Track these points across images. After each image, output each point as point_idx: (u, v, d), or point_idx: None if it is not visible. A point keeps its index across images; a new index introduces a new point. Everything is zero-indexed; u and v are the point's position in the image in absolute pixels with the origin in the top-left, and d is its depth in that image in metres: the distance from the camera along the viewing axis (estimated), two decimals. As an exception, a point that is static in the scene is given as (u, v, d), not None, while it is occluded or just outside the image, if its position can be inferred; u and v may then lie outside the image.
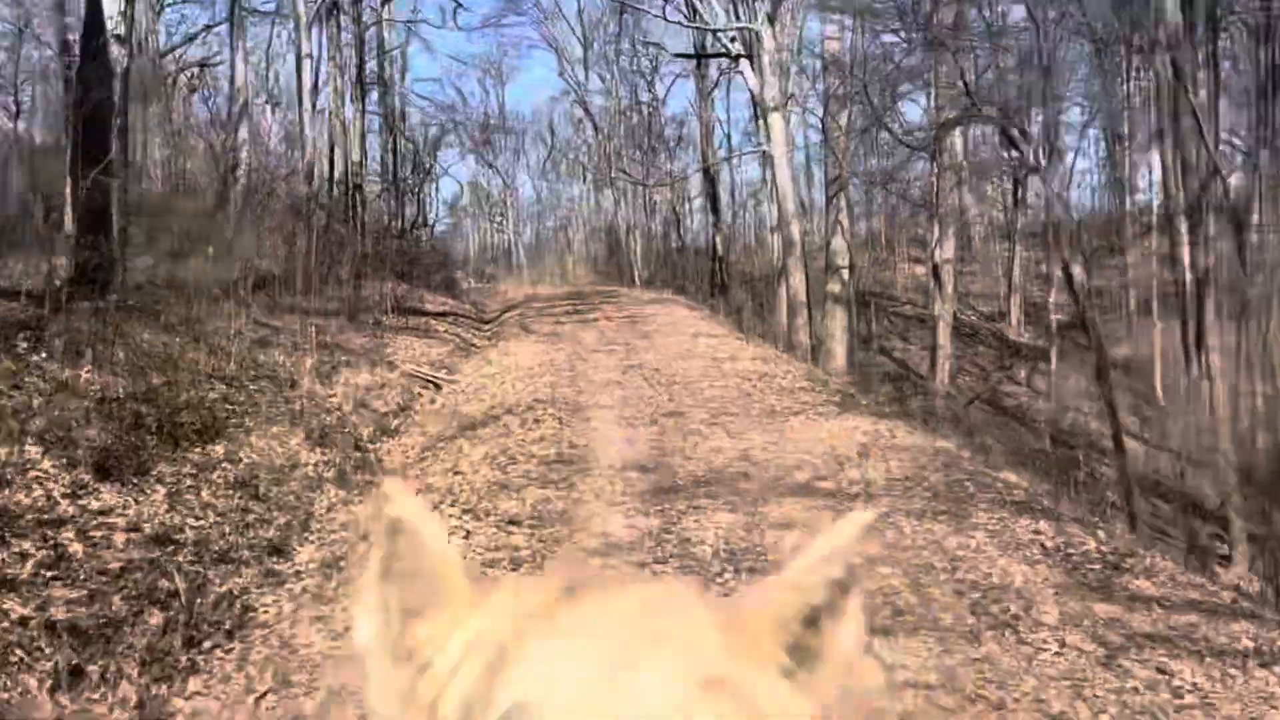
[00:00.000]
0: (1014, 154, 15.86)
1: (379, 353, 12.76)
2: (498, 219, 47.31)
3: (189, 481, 6.46)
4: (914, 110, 24.79)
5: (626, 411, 8.67)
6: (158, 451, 6.67)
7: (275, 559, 6.08)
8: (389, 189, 26.40)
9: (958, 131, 22.91)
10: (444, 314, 18.53)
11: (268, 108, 26.47)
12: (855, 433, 7.52)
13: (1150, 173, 19.59)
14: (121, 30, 10.49)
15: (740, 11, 22.71)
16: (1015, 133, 13.59)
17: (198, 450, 7.09)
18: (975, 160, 28.58)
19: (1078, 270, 14.85)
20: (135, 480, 6.11)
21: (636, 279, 31.55)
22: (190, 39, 27.43)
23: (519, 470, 6.82)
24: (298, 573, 5.91)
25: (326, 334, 12.52)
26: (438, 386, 11.65)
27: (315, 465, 7.87)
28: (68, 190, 10.55)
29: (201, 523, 5.98)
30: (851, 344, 21.15)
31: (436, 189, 45.93)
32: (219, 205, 13.02)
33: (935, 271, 21.73)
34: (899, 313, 30.82)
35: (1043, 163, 14.66)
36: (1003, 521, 5.05)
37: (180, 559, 5.45)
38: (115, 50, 10.42)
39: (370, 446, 8.88)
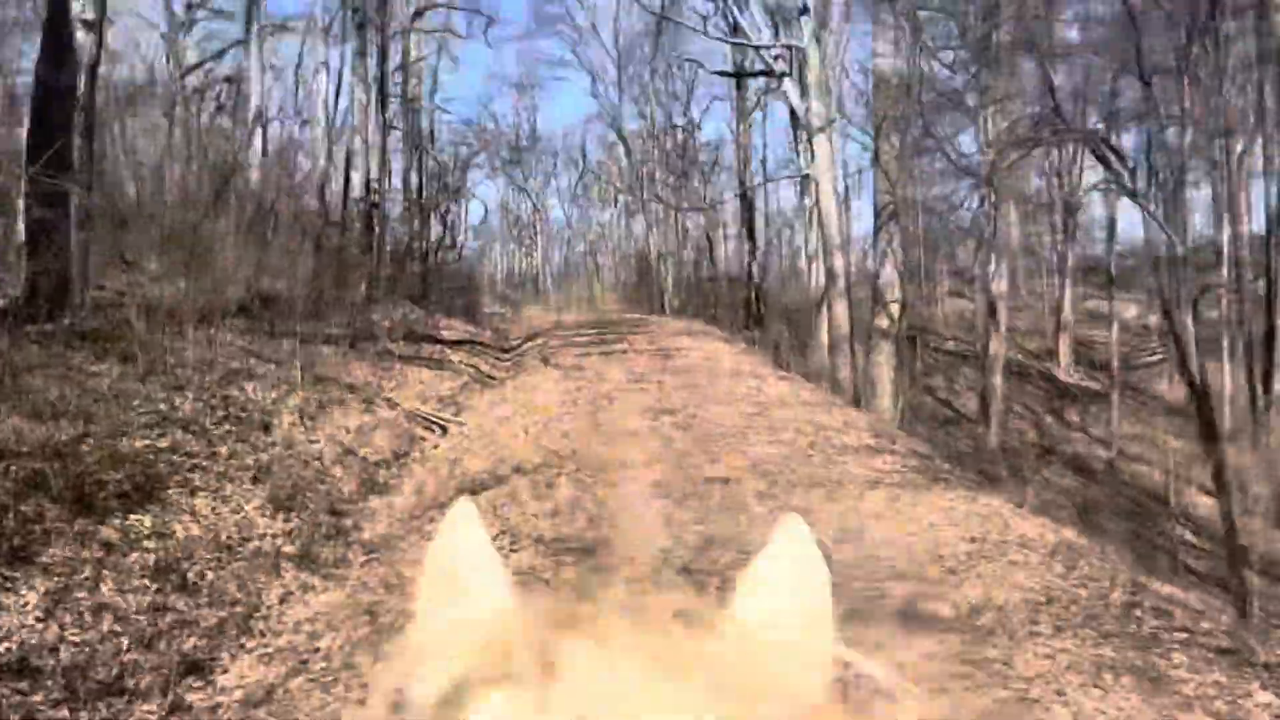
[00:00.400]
0: (1107, 175, 14.12)
1: (380, 387, 11.18)
2: (526, 243, 45.96)
3: (88, 571, 4.85)
4: (965, 136, 23.21)
5: (660, 474, 7.03)
6: (56, 526, 5.08)
7: (192, 683, 4.46)
8: (411, 208, 24.97)
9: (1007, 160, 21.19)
10: (461, 342, 16.96)
11: (290, 124, 25.16)
12: (953, 516, 5.85)
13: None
14: (90, 14, 9.03)
15: (784, 29, 21.22)
16: (1110, 153, 11.90)
17: (117, 522, 5.49)
18: (1022, 189, 26.88)
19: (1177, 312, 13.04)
20: (5, 572, 4.52)
21: (667, 307, 29.95)
22: (219, 54, 26.25)
23: (522, 561, 5.17)
24: (216, 707, 4.29)
25: (322, 365, 10.98)
26: (443, 429, 10.04)
27: (274, 537, 6.27)
28: (20, 197, 9.07)
29: (88, 635, 4.37)
30: (900, 385, 19.41)
31: (465, 211, 44.69)
32: (212, 219, 11.54)
33: (991, 307, 19.98)
34: (941, 349, 28.99)
35: (1139, 186, 12.95)
36: (1219, 687, 3.38)
37: (35, 698, 3.84)
38: (81, 36, 8.95)
39: (350, 508, 7.26)
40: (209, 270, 10.82)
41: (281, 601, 5.56)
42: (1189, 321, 12.47)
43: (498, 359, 16.63)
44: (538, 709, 0.50)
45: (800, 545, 0.61)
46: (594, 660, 0.52)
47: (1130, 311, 35.08)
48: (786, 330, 24.41)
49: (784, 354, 20.05)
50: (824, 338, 22.03)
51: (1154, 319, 30.72)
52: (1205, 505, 19.10)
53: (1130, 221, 34.71)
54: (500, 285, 40.32)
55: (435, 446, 9.38)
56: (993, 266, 19.99)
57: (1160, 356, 29.07)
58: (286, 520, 6.53)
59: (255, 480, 6.88)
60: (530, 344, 19.51)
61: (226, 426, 7.73)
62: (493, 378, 14.08)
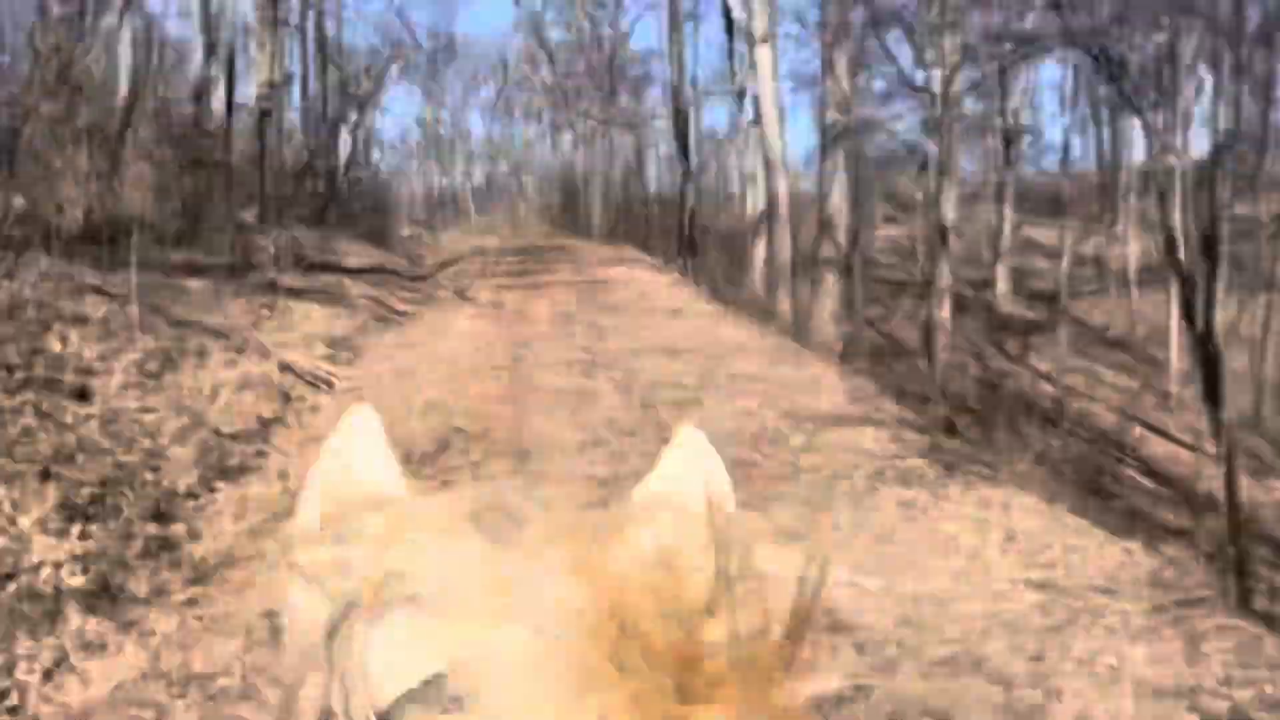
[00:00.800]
0: (1110, 89, 12.56)
1: (255, 329, 9.22)
2: (445, 161, 43.27)
3: None
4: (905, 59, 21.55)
5: (597, 462, 5.31)
6: None
7: None
8: (314, 121, 22.49)
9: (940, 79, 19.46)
10: (366, 271, 14.87)
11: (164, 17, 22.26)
12: (989, 527, 4.27)
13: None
14: None
15: (726, -72, 19.17)
16: (1114, 63, 10.26)
17: None
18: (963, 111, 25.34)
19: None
20: None
21: (595, 231, 28.01)
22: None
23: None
24: None
25: (185, 303, 8.98)
26: (328, 385, 8.16)
27: (57, 565, 4.41)
28: None
29: None
30: (844, 318, 17.96)
31: (376, 127, 41.81)
32: (40, 120, 9.33)
33: (942, 234, 18.51)
34: (880, 278, 27.53)
35: (1146, 100, 11.39)
36: None
37: None
38: None
39: (183, 508, 5.40)
40: (36, 185, 8.67)
41: (46, 678, 3.74)
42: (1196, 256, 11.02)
43: (408, 290, 14.61)
44: (433, 628, 0.45)
45: (701, 458, 0.57)
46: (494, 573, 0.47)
47: (1066, 240, 34.14)
48: (724, 258, 22.77)
49: (721, 285, 18.41)
50: (760, 266, 20.46)
51: (1089, 247, 29.72)
52: (1158, 446, 18.13)
53: (1065, 147, 33.57)
54: (417, 207, 37.77)
55: (315, 409, 7.50)
56: (944, 191, 18.46)
57: (1096, 287, 28.12)
58: (82, 536, 4.67)
59: (44, 477, 4.98)
60: (446, 272, 17.52)
61: (24, 395, 5.77)
62: (399, 314, 12.13)
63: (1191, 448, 18.13)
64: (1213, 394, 10.17)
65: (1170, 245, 11.66)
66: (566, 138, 33.73)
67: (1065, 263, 23.04)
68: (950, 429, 11.07)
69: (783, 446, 5.49)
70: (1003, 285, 28.01)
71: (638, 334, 9.57)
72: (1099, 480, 12.57)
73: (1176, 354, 20.76)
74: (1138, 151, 32.24)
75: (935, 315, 20.09)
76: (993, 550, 3.97)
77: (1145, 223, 30.01)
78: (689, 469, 0.57)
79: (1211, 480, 10.52)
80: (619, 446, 5.48)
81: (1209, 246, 19.45)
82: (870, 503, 4.57)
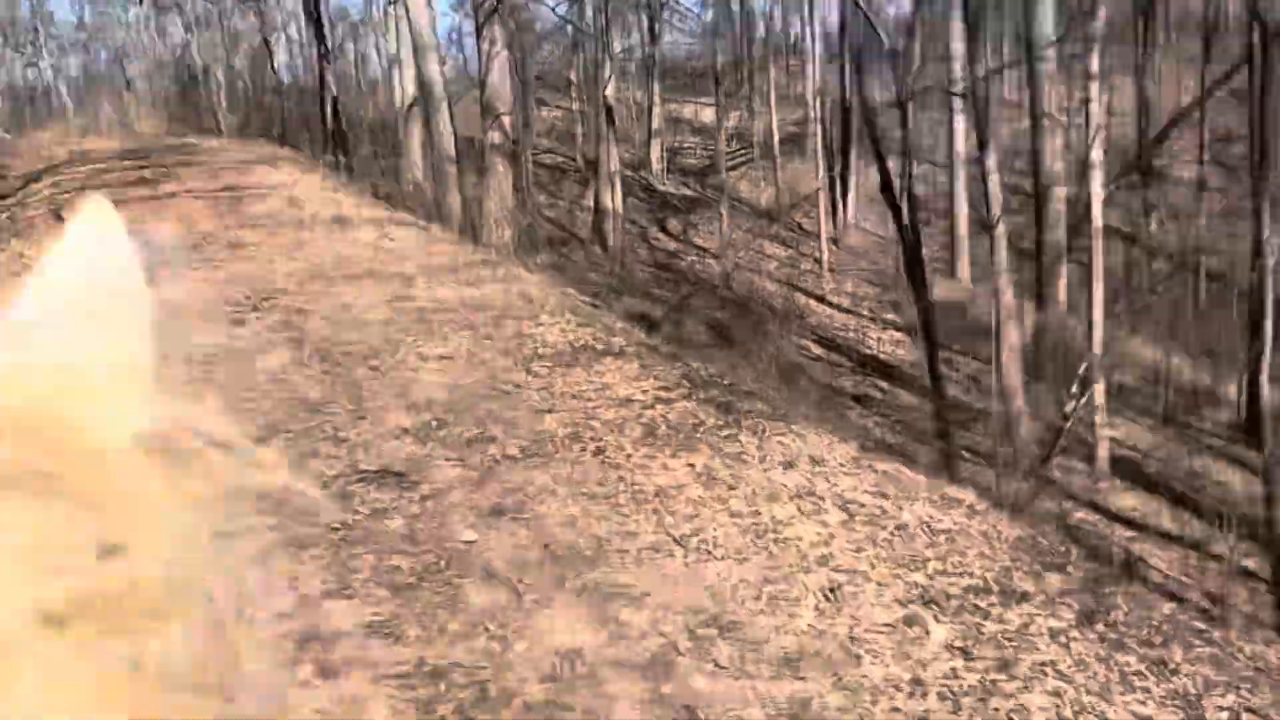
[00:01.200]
0: None
1: None
2: (27, 50, 36.38)
3: None
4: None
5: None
6: None
7: None
8: None
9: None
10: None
11: None
12: (799, 490, 3.34)
13: None
14: None
15: None
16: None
17: None
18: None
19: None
20: None
21: (223, 128, 24.46)
22: None
23: None
24: None
25: None
26: None
27: None
28: None
29: None
30: (524, 207, 16.69)
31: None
32: None
33: (609, 113, 17.56)
34: (541, 163, 26.39)
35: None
36: None
37: None
38: None
39: None
40: None
41: None
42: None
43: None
44: None
45: (105, 237, 0.46)
46: None
47: (706, 115, 34.64)
48: (373, 152, 20.59)
49: (380, 183, 16.45)
50: (416, 158, 18.66)
51: (730, 122, 30.10)
52: (820, 311, 18.70)
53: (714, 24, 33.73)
54: (-3, 106, 31.50)
55: None
56: (608, 70, 17.46)
57: (746, 158, 28.69)
58: None
59: None
60: (39, 186, 14.21)
61: None
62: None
63: (849, 310, 18.95)
64: (912, 267, 10.07)
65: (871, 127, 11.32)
66: (175, 20, 29.15)
67: (722, 140, 23.00)
68: (652, 326, 10.32)
69: (515, 403, 4.26)
70: (656, 163, 27.77)
71: (297, 254, 7.79)
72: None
73: (824, 223, 21.49)
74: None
75: (604, 200, 19.36)
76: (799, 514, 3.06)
77: (781, 96, 30.95)
78: (90, 254, 0.44)
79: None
80: (308, 436, 3.98)
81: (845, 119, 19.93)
82: (647, 467, 3.51)
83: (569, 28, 24.26)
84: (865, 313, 18.73)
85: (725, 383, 4.61)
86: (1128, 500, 10.83)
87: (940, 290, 20.78)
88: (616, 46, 18.23)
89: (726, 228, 20.49)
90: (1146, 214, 20.61)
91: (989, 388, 10.17)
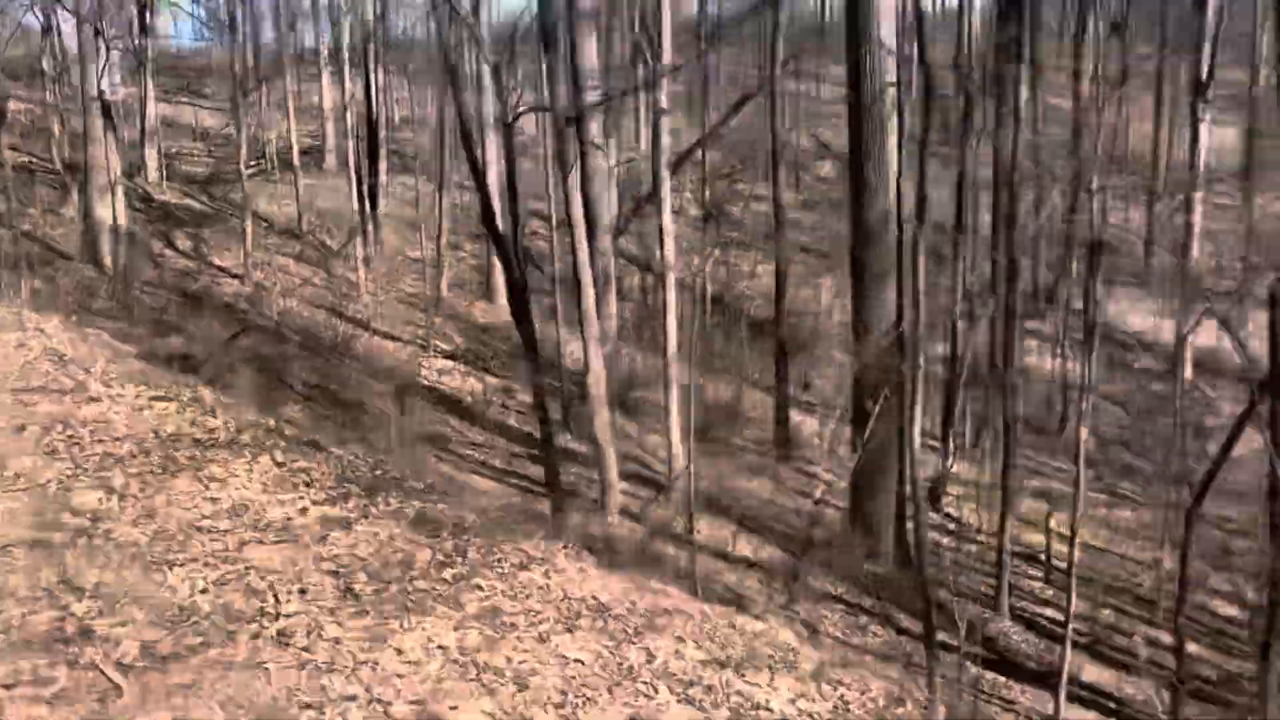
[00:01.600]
0: None
1: None
2: None
3: None
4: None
5: None
6: None
7: None
8: None
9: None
10: None
11: None
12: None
13: None
14: None
15: None
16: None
17: None
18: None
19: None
20: None
21: None
22: None
23: None
24: None
25: None
26: None
27: None
28: None
29: None
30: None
31: None
32: None
33: (105, 109, 14.60)
34: None
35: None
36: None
37: None
38: None
39: None
40: None
41: None
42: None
43: None
44: None
45: None
46: None
47: (207, 119, 31.06)
48: None
49: None
50: None
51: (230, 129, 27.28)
52: (371, 343, 17.25)
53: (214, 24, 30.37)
54: None
55: None
56: (102, 60, 14.56)
57: (258, 169, 26.01)
58: None
59: None
60: None
61: None
62: None
63: (395, 338, 17.72)
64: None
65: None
66: None
67: (242, 150, 20.55)
68: (195, 370, 8.43)
69: (121, 555, 2.68)
70: (155, 171, 24.11)
71: None
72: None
73: (359, 243, 20.14)
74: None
75: (98, 212, 16.26)
76: None
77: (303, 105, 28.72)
78: None
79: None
80: None
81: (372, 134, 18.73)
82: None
83: (35, 8, 20.22)
84: (417, 340, 17.72)
85: (392, 475, 3.44)
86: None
87: (480, 314, 20.37)
88: (112, 32, 15.29)
89: (249, 246, 18.23)
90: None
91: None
